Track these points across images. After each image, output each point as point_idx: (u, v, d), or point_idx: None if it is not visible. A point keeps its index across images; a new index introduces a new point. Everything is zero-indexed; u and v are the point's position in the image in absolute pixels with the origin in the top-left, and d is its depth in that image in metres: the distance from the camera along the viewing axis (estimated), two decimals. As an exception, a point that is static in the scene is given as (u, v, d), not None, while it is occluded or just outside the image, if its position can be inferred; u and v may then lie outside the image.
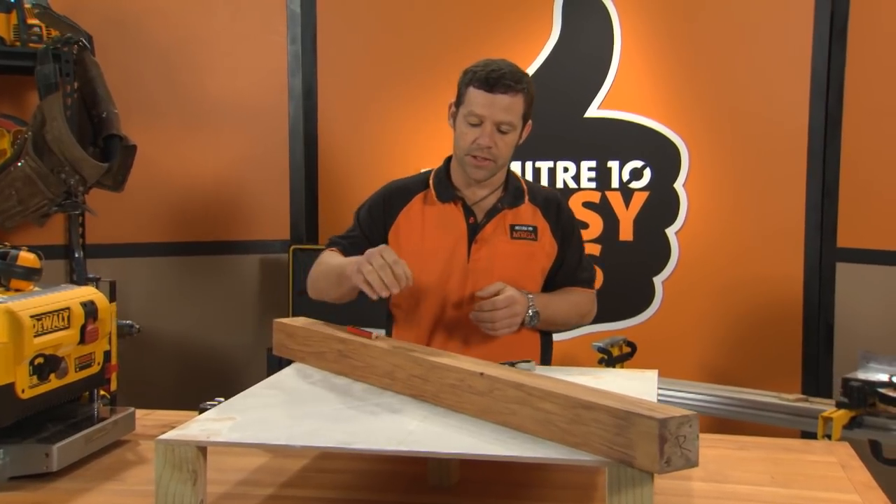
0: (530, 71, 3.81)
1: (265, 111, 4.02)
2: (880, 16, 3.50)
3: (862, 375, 2.69)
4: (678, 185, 3.74)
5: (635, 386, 1.65)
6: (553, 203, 2.21)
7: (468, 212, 2.16)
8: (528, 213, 2.17)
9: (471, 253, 2.13)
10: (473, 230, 2.15)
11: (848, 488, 1.66)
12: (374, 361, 1.74)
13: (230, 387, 3.93)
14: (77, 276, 3.10)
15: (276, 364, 3.38)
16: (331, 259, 2.16)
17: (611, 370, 1.85)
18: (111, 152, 3.06)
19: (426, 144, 3.92)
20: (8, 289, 1.80)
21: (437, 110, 3.88)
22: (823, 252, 3.65)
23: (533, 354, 2.20)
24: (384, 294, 1.84)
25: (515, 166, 3.66)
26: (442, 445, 1.35)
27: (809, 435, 2.78)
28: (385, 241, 2.17)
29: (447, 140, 3.96)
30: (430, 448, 1.35)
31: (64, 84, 2.95)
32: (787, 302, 3.71)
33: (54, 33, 3.13)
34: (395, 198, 2.22)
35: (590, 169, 3.79)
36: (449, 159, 2.27)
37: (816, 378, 3.69)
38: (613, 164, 3.78)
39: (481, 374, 1.48)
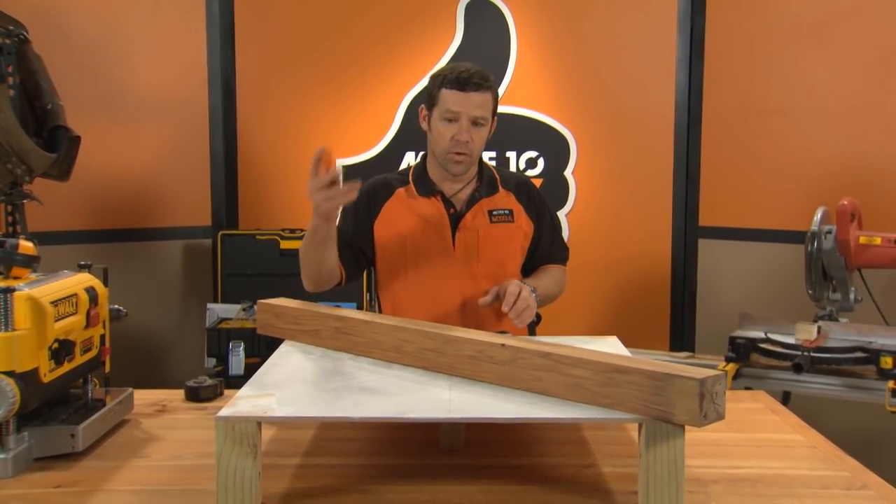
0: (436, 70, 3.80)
1: (186, 104, 3.82)
2: (729, 33, 3.70)
3: (743, 334, 2.84)
4: (568, 172, 3.83)
5: (612, 351, 1.68)
6: (524, 186, 2.20)
7: (448, 203, 2.11)
8: (502, 199, 2.15)
9: (455, 240, 2.09)
10: (455, 219, 2.10)
11: (788, 429, 1.76)
12: (379, 337, 1.69)
13: (163, 366, 3.77)
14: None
15: (216, 342, 3.26)
16: None
17: (579, 338, 1.87)
18: (56, 143, 2.83)
19: (342, 134, 3.86)
20: (8, 276, 1.65)
21: (349, 102, 3.85)
22: (687, 230, 3.85)
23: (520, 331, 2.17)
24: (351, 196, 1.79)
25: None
26: (490, 411, 1.33)
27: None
28: (371, 233, 2.11)
29: (360, 131, 3.93)
30: (478, 414, 1.33)
31: (6, 76, 2.70)
32: (658, 273, 3.89)
33: (-10, 26, 2.85)
34: (378, 190, 2.14)
35: (490, 158, 3.81)
36: (425, 156, 2.21)
37: (682, 337, 3.89)
38: (511, 154, 3.83)
39: (503, 345, 1.47)
